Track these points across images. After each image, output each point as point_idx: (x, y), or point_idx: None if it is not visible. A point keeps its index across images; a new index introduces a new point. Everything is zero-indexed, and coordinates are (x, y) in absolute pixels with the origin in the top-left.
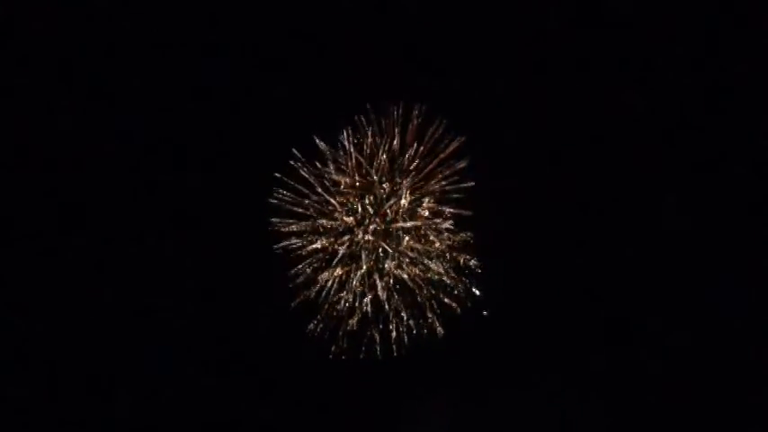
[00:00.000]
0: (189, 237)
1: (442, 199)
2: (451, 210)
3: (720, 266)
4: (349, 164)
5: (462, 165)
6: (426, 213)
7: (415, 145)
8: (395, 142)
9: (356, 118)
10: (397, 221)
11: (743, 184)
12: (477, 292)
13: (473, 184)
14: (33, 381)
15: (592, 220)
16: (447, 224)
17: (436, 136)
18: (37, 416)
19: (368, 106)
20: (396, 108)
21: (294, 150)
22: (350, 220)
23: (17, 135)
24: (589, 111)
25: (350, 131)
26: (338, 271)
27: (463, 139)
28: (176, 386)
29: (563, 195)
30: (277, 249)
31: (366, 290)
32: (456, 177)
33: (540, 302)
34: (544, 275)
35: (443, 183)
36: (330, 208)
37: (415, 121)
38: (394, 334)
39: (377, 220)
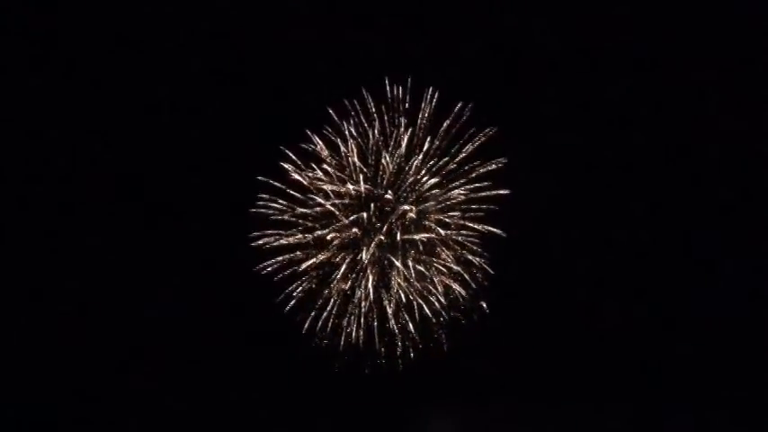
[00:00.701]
0: (188, 242)
1: (457, 208)
2: (469, 223)
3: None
4: (354, 174)
5: (490, 167)
6: (433, 226)
7: (428, 140)
8: (402, 145)
9: (350, 107)
10: (404, 234)
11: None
12: (485, 305)
13: (508, 192)
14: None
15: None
16: (460, 237)
17: (455, 129)
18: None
19: (363, 91)
20: (403, 93)
21: (284, 149)
22: (355, 231)
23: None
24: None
25: (351, 128)
26: (343, 285)
27: (492, 130)
28: (179, 400)
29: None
30: (276, 264)
31: (372, 304)
32: (485, 183)
33: (546, 315)
34: (550, 286)
35: (465, 190)
36: (333, 220)
37: (428, 109)
38: (400, 348)
39: (383, 232)
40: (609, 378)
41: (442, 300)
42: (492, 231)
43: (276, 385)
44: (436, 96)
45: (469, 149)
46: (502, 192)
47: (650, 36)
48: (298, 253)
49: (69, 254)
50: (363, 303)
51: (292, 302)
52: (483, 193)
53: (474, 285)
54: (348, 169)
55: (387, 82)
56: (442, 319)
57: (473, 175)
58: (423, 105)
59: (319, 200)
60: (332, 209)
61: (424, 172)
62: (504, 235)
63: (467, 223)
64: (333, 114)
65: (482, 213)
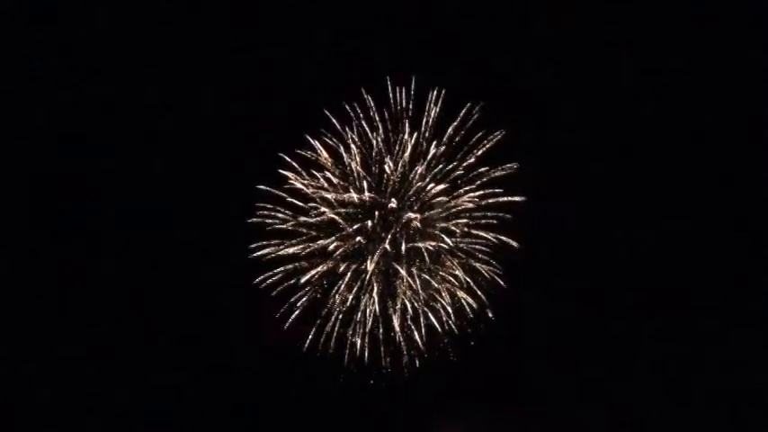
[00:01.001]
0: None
1: (464, 216)
2: (477, 231)
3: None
4: (358, 182)
5: (500, 172)
6: (439, 234)
7: (434, 145)
8: (407, 150)
9: (351, 110)
10: (409, 242)
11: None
12: (491, 314)
13: (523, 199)
14: None
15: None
16: (465, 245)
17: (463, 131)
18: None
19: (364, 93)
20: (406, 94)
21: (284, 156)
22: (359, 240)
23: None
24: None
25: (354, 135)
26: (348, 295)
27: (501, 133)
28: (184, 409)
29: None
30: (280, 273)
31: (377, 314)
32: (495, 189)
33: (553, 322)
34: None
35: (473, 197)
36: (339, 228)
37: (434, 111)
38: (406, 358)
39: (387, 241)
40: (614, 383)
41: (449, 309)
42: (504, 241)
43: (281, 395)
44: (442, 97)
45: (475, 155)
46: (515, 198)
47: (662, 34)
48: (303, 263)
49: (69, 258)
50: (369, 312)
51: (295, 314)
52: (491, 200)
53: (480, 294)
54: (351, 177)
55: (389, 83)
56: (447, 328)
57: (478, 182)
58: (427, 107)
59: (323, 208)
60: (335, 217)
61: (429, 179)
62: (516, 246)
63: (472, 231)
64: (333, 119)
65: (495, 221)
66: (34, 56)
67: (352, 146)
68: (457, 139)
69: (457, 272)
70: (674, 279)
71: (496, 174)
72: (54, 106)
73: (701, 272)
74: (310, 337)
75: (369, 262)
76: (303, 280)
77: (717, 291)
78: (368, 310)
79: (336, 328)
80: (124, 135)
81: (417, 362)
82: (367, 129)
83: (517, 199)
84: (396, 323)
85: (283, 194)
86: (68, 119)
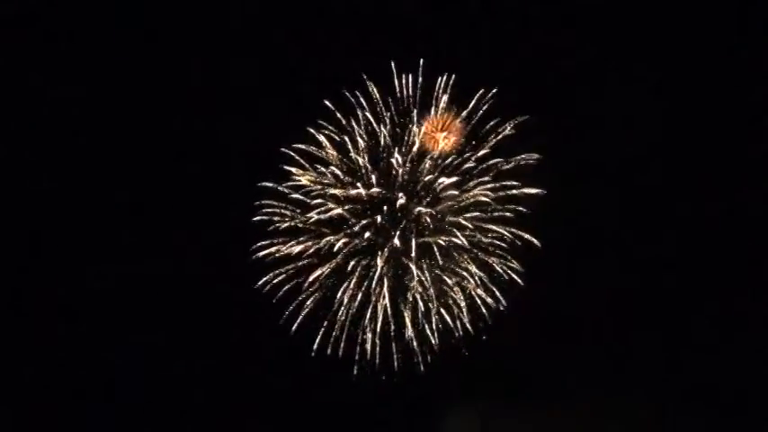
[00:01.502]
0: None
1: (473, 210)
2: (492, 226)
3: None
4: (365, 176)
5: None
6: (450, 228)
7: (444, 136)
8: (416, 141)
9: (354, 101)
10: (419, 237)
11: None
12: (503, 308)
13: (544, 192)
14: None
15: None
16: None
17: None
18: None
19: (366, 79)
20: (413, 81)
21: (287, 150)
22: (368, 237)
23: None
24: None
25: (361, 128)
26: (357, 292)
27: (522, 119)
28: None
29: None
30: (287, 271)
31: (388, 310)
32: (511, 182)
33: (564, 315)
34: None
35: (485, 190)
36: (349, 223)
37: (444, 97)
38: (418, 354)
39: (397, 236)
40: (625, 380)
41: (461, 304)
42: (521, 237)
43: (288, 394)
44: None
45: (485, 147)
46: (532, 191)
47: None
48: (313, 259)
49: (68, 259)
50: (379, 308)
51: (304, 312)
52: (502, 193)
53: (493, 288)
54: (359, 173)
55: (393, 68)
56: (459, 323)
57: (488, 176)
58: (436, 95)
59: (331, 204)
60: (344, 213)
61: (437, 173)
62: (537, 244)
63: (485, 225)
64: (336, 111)
65: (510, 215)
66: (34, 56)
67: (358, 138)
68: (464, 134)
69: (469, 266)
70: (677, 279)
71: (512, 165)
72: (53, 106)
73: (704, 272)
74: (319, 336)
75: (378, 258)
76: (311, 278)
77: (718, 290)
78: (378, 307)
79: (346, 326)
80: (124, 135)
81: (429, 358)
82: (372, 120)
83: (535, 191)
84: (407, 319)
85: (286, 191)
86: (69, 119)
